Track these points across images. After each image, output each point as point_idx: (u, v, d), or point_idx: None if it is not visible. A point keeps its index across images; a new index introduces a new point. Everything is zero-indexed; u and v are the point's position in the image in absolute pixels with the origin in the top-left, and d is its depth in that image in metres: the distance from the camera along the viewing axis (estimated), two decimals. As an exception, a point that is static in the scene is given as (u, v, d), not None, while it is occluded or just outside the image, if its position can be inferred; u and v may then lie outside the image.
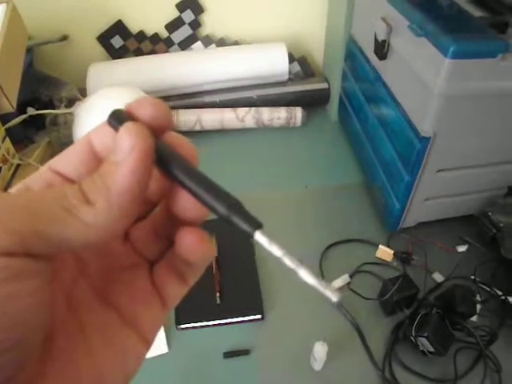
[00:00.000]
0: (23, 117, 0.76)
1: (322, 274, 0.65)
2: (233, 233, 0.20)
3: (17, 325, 0.14)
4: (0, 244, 0.13)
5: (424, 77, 0.53)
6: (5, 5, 0.75)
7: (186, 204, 0.18)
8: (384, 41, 0.62)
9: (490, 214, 0.64)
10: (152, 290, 0.20)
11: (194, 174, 0.18)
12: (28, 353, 0.15)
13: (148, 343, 0.20)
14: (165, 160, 0.18)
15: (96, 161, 0.18)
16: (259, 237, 0.16)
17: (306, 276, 0.16)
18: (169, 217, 0.19)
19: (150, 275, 0.21)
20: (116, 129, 0.17)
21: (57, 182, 0.18)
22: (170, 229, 0.19)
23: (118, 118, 0.18)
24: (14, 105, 0.72)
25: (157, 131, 0.18)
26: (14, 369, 0.14)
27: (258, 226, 0.17)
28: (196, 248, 0.19)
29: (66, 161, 0.18)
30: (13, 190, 0.17)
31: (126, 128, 0.16)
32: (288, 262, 0.16)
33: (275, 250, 0.16)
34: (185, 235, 0.19)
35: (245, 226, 0.17)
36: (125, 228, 0.17)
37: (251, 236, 0.17)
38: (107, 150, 0.18)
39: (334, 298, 0.16)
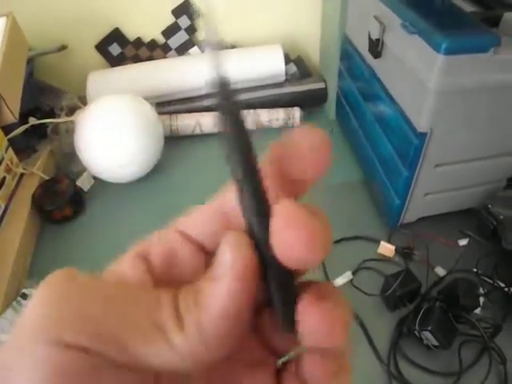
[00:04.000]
0: (25, 126, 0.77)
1: (325, 270, 0.65)
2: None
3: None
4: (78, 339, 0.12)
5: (418, 74, 0.54)
6: (5, 18, 0.77)
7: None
8: (378, 39, 0.63)
9: (489, 206, 0.65)
10: None
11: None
12: None
13: None
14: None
15: (225, 219, 0.17)
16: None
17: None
18: None
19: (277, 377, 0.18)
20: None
21: (179, 246, 0.16)
22: None
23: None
24: (17, 115, 0.73)
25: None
26: None
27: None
28: (327, 331, 0.15)
29: (193, 221, 0.17)
30: (134, 249, 0.16)
31: (227, 239, 0.15)
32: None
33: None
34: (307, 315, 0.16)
35: None
36: (222, 357, 0.14)
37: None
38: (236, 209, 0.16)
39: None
